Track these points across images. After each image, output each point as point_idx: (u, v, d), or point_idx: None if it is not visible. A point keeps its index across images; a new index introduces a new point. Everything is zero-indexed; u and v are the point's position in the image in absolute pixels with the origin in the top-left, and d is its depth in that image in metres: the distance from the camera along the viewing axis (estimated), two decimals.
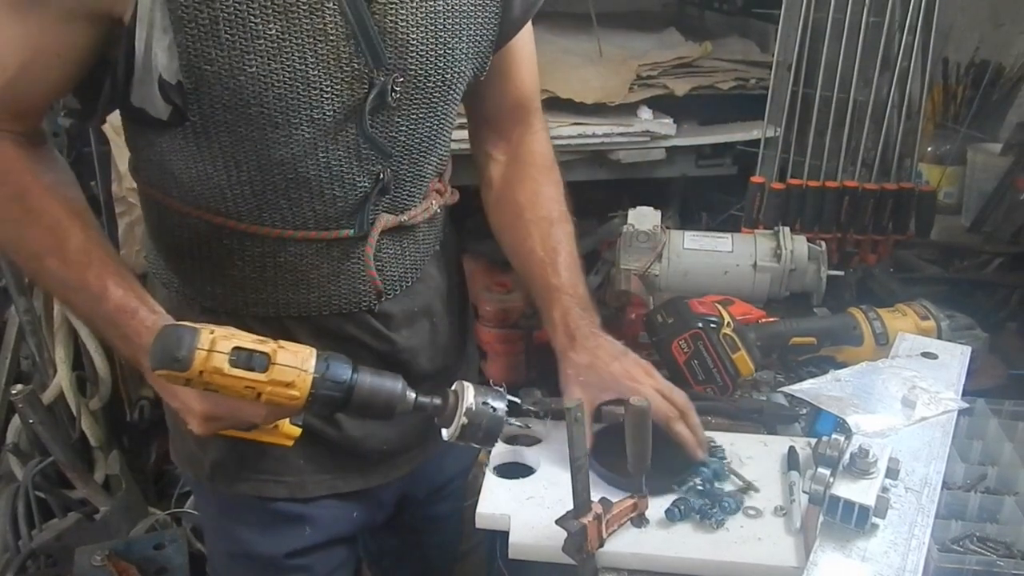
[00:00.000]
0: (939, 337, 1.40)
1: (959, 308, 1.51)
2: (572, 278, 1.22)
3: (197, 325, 0.87)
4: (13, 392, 1.97)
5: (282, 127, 0.98)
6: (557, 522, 0.98)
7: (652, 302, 1.58)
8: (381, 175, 1.07)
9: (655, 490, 1.07)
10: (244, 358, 0.87)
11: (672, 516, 1.06)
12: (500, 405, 0.98)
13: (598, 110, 2.13)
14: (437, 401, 0.98)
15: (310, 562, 1.23)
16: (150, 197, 1.11)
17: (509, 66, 1.21)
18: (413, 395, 0.97)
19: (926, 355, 1.33)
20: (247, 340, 0.88)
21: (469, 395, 0.97)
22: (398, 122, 1.05)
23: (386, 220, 1.11)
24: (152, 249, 1.16)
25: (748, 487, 1.11)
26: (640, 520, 1.05)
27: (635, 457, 1.03)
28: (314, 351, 0.93)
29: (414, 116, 1.06)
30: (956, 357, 1.33)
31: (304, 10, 0.93)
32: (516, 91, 1.25)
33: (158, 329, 0.89)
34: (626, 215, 1.69)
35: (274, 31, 0.92)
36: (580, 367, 1.15)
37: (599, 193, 2.30)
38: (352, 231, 1.09)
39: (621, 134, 2.12)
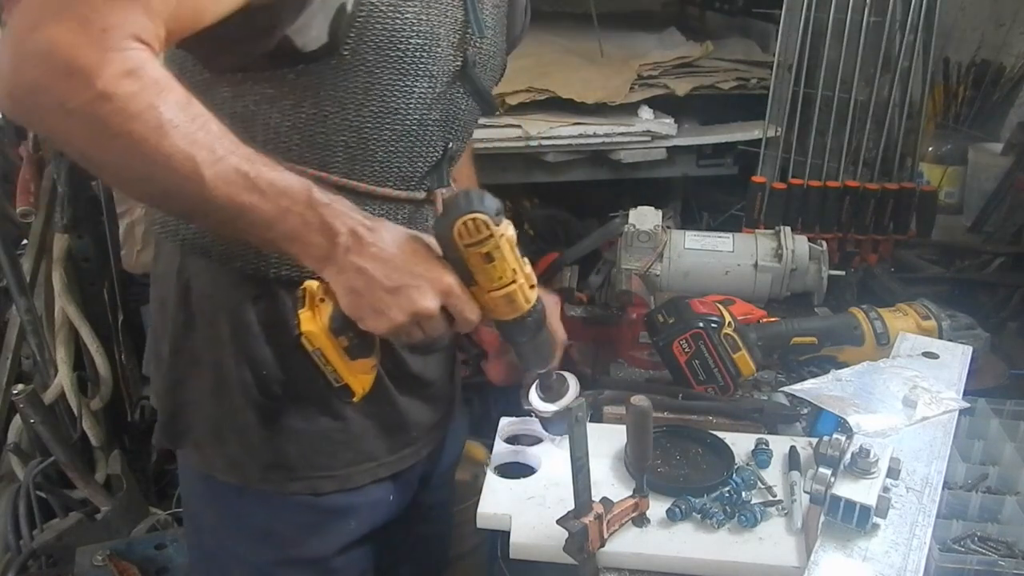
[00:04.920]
0: (940, 337, 1.40)
1: (960, 308, 1.52)
2: None
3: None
4: (14, 392, 1.96)
5: (409, 76, 1.03)
6: (558, 522, 0.99)
7: (653, 302, 1.58)
8: (450, 144, 1.14)
9: (686, 493, 1.08)
10: (519, 251, 0.94)
11: (673, 516, 1.06)
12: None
13: (599, 110, 2.14)
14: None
15: (351, 560, 1.24)
16: None
17: None
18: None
19: (927, 355, 1.32)
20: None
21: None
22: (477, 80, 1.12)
23: (445, 190, 1.18)
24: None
25: (775, 500, 1.10)
26: (641, 520, 1.05)
27: (635, 457, 1.03)
28: None
29: (485, 77, 1.14)
30: (957, 357, 1.33)
31: None
32: None
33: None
34: (627, 215, 1.69)
35: None
36: None
37: (599, 193, 2.31)
38: (423, 194, 1.15)
39: (622, 134, 2.12)
